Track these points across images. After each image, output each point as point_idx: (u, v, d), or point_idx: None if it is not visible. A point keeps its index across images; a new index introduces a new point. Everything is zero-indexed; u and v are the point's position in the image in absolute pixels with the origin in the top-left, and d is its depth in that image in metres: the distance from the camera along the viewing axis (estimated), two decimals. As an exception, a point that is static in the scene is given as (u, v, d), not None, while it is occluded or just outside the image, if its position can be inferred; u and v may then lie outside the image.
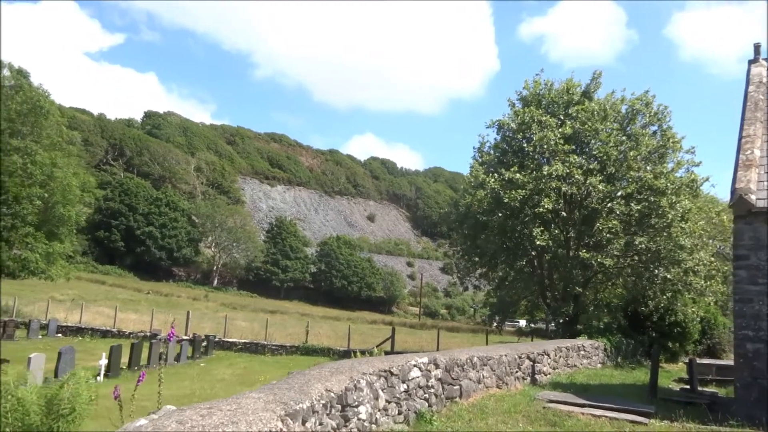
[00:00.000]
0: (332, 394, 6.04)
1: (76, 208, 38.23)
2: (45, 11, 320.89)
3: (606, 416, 9.76)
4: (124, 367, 20.43)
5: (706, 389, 16.11)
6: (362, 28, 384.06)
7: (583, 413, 9.91)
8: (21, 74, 37.50)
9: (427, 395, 9.33)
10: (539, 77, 25.74)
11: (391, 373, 8.39)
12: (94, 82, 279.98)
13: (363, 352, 18.47)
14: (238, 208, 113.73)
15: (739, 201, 10.86)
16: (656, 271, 22.55)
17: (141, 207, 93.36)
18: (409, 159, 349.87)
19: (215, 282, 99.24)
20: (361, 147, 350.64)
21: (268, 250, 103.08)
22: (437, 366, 9.90)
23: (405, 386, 8.71)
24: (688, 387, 16.30)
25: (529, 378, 13.92)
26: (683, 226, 22.26)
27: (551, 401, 10.96)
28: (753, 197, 10.77)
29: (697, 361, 16.83)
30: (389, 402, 8.07)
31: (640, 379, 17.31)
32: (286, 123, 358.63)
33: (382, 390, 7.95)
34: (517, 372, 13.34)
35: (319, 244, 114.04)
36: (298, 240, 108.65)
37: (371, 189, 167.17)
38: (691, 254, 22.27)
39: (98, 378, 18.04)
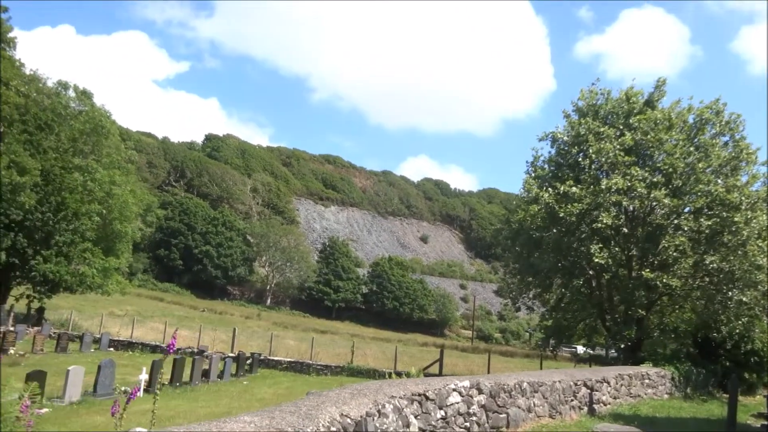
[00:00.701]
0: (348, 420, 5.14)
1: (132, 225, 39.03)
2: (117, 42, 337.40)
3: (677, 455, 8.45)
4: (166, 383, 20.06)
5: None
6: (416, 51, 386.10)
7: (650, 451, 8.63)
8: (85, 95, 38.65)
9: (468, 423, 8.29)
10: (595, 86, 24.36)
11: (426, 398, 7.43)
12: (161, 107, 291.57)
13: (399, 374, 17.43)
14: (292, 228, 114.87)
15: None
16: (730, 293, 20.61)
17: (199, 226, 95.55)
18: (463, 180, 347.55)
19: (268, 301, 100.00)
20: (414, 168, 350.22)
21: (321, 270, 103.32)
22: (481, 391, 8.85)
23: (442, 413, 7.72)
24: (769, 423, 14.57)
25: (586, 408, 12.59)
26: (760, 244, 20.33)
27: (612, 435, 9.70)
28: None
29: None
30: (423, 431, 7.10)
31: (713, 413, 15.59)
32: (340, 145, 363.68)
33: (415, 417, 7.00)
34: (572, 401, 12.06)
35: (371, 265, 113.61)
36: (350, 260, 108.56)
37: (424, 210, 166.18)
38: (770, 275, 20.30)
39: (138, 393, 17.70)
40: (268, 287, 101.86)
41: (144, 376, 17.78)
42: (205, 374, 22.56)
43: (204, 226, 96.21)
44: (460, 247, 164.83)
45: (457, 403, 8.13)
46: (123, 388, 17.93)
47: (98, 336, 31.49)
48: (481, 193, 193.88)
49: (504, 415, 9.35)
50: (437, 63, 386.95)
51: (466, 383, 8.51)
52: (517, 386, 9.97)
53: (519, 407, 9.88)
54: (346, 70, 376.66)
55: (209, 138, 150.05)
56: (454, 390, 8.18)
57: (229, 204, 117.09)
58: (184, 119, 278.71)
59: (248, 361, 27.07)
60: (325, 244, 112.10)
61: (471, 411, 8.44)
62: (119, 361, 24.70)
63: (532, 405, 10.43)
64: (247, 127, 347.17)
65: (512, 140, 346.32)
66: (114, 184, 36.19)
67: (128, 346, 31.56)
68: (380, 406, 5.86)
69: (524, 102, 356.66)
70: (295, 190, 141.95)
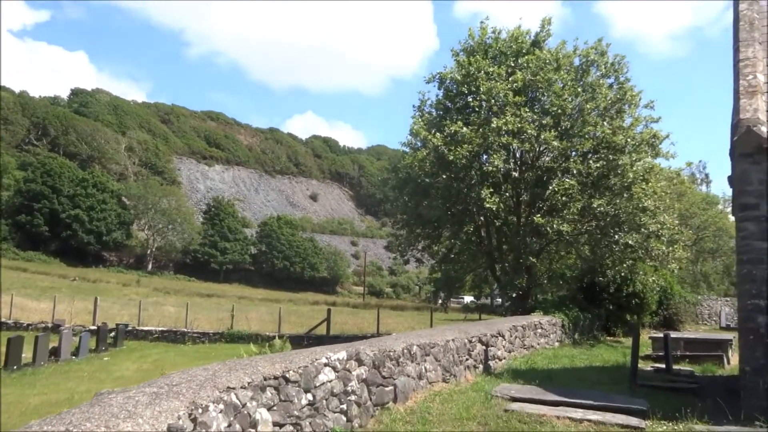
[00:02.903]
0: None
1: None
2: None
3: (589, 419, 7.25)
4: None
5: (680, 368, 14.09)
6: (298, 7, 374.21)
7: (558, 416, 7.38)
8: None
9: (344, 405, 6.56)
10: (486, 24, 23.03)
11: (287, 380, 5.58)
12: (19, 60, 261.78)
13: (272, 341, 15.57)
14: (173, 189, 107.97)
15: (746, 135, 8.49)
16: (616, 236, 20.45)
17: (66, 189, 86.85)
18: (351, 137, 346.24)
19: (150, 266, 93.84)
20: (302, 126, 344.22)
21: (206, 232, 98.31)
22: (361, 362, 7.15)
23: (310, 397, 5.93)
24: (660, 366, 14.27)
25: (482, 366, 11.39)
26: (644, 186, 20.22)
27: (514, 398, 8.41)
28: (764, 129, 8.42)
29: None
30: (281, 425, 5.27)
31: (605, 359, 15.14)
32: (222, 102, 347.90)
33: (269, 408, 5.13)
34: (467, 360, 10.77)
35: (259, 225, 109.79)
36: (237, 221, 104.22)
37: (313, 168, 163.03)
38: (654, 217, 20.26)
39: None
40: (148, 252, 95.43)
41: (-38, 363, 14.65)
42: (55, 353, 19.49)
43: (72, 188, 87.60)
44: (350, 205, 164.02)
45: (330, 381, 6.38)
46: (-66, 379, 14.69)
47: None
48: (370, 150, 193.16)
49: (391, 388, 7.74)
50: (320, 19, 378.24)
51: (342, 355, 6.77)
52: (405, 351, 8.39)
53: (408, 375, 8.33)
54: (222, 24, 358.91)
55: (76, 93, 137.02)
56: (326, 365, 6.40)
57: (102, 164, 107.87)
58: (47, 73, 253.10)
59: (111, 334, 24.07)
60: (210, 205, 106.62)
61: (349, 389, 6.73)
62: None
63: (424, 371, 8.94)
64: (120, 83, 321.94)
65: (399, 98, 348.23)
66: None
67: (-34, 324, 27.24)
68: (199, 410, 3.92)
69: (409, 61, 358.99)
70: (175, 149, 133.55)
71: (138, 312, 28.95)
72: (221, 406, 4.21)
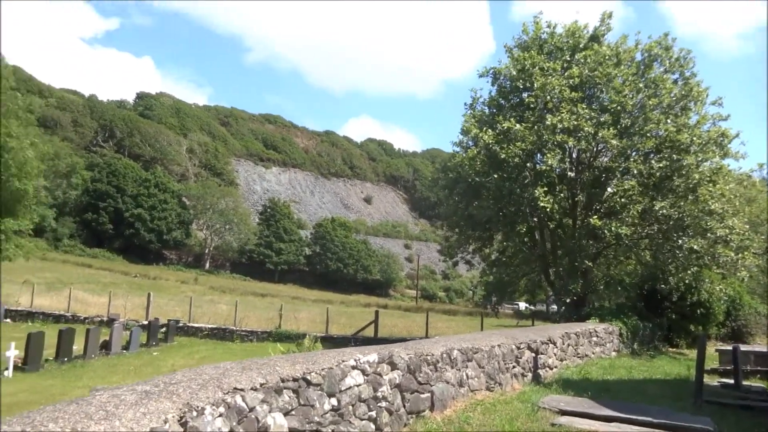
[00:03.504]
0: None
1: (34, 182, 34.91)
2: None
3: (646, 439, 6.54)
4: (51, 358, 17.25)
5: (751, 384, 12.96)
6: (355, 12, 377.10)
7: (611, 434, 6.69)
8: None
9: (373, 412, 6.09)
10: (539, 18, 22.10)
11: (308, 383, 5.16)
12: (90, 66, 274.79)
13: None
14: (230, 190, 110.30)
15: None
16: (680, 241, 19.14)
17: (129, 188, 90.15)
18: (406, 141, 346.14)
19: (207, 265, 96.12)
20: (357, 129, 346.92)
21: (262, 232, 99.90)
22: (394, 366, 6.67)
23: (334, 401, 5.48)
24: (729, 382, 13.16)
25: (530, 374, 10.70)
26: (711, 188, 18.87)
27: (563, 412, 7.74)
28: None
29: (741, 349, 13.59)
30: (298, 432, 4.84)
31: (667, 371, 14.10)
32: (280, 105, 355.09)
33: (286, 414, 4.72)
34: (514, 367, 10.12)
35: (314, 227, 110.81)
36: (292, 222, 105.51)
37: (368, 171, 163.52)
38: (722, 221, 18.86)
39: (6, 372, 14.89)
40: (206, 251, 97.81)
41: (13, 352, 14.96)
42: (106, 346, 19.81)
43: (135, 188, 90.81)
44: (404, 208, 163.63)
45: (358, 385, 5.92)
46: (-13, 368, 15.07)
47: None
48: (425, 153, 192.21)
49: (427, 395, 7.22)
50: (377, 25, 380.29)
51: (372, 357, 6.30)
52: (445, 356, 7.86)
53: (447, 382, 7.79)
54: (282, 29, 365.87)
55: (141, 96, 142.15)
56: (354, 368, 5.95)
57: (164, 165, 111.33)
58: (117, 78, 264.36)
59: (162, 330, 24.39)
60: (266, 206, 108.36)
61: (380, 394, 6.26)
62: (12, 334, 21.64)
63: (465, 377, 8.37)
64: (183, 87, 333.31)
65: (454, 101, 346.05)
66: (9, 136, 32.04)
67: (27, 316, 28.18)
68: (193, 413, 3.52)
69: (465, 64, 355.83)
70: (234, 151, 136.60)
71: (189, 308, 29.30)
72: (221, 409, 3.81)
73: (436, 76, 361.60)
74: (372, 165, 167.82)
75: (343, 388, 5.63)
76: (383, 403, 6.28)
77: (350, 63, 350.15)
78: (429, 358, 7.42)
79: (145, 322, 25.37)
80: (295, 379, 5.00)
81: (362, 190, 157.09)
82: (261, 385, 4.47)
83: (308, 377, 5.17)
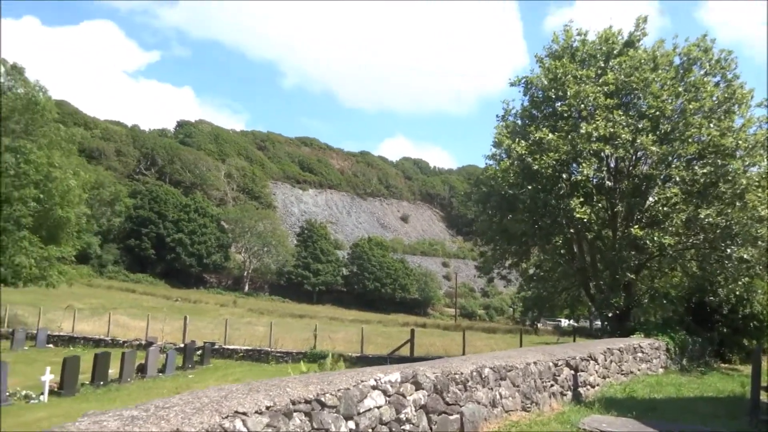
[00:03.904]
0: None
1: (76, 210, 35.78)
2: (85, 32, 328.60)
3: (698, 463, 5.95)
4: (87, 382, 17.31)
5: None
6: (386, 31, 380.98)
7: (658, 457, 6.13)
8: (16, 70, 35.32)
9: (396, 435, 5.70)
10: (569, 27, 21.58)
11: (323, 405, 4.81)
12: (133, 98, 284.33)
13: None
14: (268, 213, 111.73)
15: None
16: (728, 250, 18.19)
17: (170, 214, 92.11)
18: (441, 159, 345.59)
19: (246, 288, 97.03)
20: (392, 149, 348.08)
21: (299, 254, 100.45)
22: (419, 386, 6.26)
23: (352, 425, 5.12)
24: (788, 399, 12.25)
25: (570, 393, 10.11)
26: (760, 194, 17.93)
27: (604, 433, 7.19)
28: None
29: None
30: (311, 457, 4.49)
31: (720, 388, 13.23)
32: (315, 128, 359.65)
33: (297, 438, 4.38)
34: (552, 386, 9.56)
35: (351, 247, 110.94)
36: (329, 243, 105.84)
37: (404, 190, 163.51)
38: (774, 228, 17.87)
39: (42, 397, 14.96)
40: (245, 273, 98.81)
41: (48, 377, 15.03)
42: (142, 369, 19.85)
43: (176, 214, 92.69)
44: (441, 225, 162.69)
45: (379, 407, 5.54)
46: (24, 392, 15.15)
47: (35, 331, 28.50)
48: (460, 171, 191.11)
49: (456, 416, 6.78)
50: (408, 43, 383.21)
51: (395, 377, 5.92)
52: (475, 374, 7.41)
53: (478, 402, 7.33)
54: (315, 53, 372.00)
55: (181, 125, 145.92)
56: (374, 388, 5.58)
57: (203, 190, 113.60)
58: (158, 109, 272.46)
59: (198, 352, 24.39)
60: (303, 227, 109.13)
61: (403, 416, 5.86)
62: (52, 359, 21.91)
63: (498, 397, 7.89)
64: (221, 114, 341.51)
65: (488, 118, 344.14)
66: (53, 166, 32.99)
67: (69, 341, 28.60)
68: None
69: (499, 79, 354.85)
70: (271, 174, 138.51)
71: (224, 330, 29.31)
72: (216, 438, 3.50)
73: (471, 94, 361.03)
74: (408, 184, 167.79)
75: (361, 410, 5.27)
76: (407, 426, 5.88)
77: (382, 83, 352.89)
78: (457, 376, 6.99)
79: (182, 345, 25.43)
80: (307, 401, 4.66)
81: (398, 209, 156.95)
82: (267, 407, 4.14)
83: (322, 399, 4.82)
